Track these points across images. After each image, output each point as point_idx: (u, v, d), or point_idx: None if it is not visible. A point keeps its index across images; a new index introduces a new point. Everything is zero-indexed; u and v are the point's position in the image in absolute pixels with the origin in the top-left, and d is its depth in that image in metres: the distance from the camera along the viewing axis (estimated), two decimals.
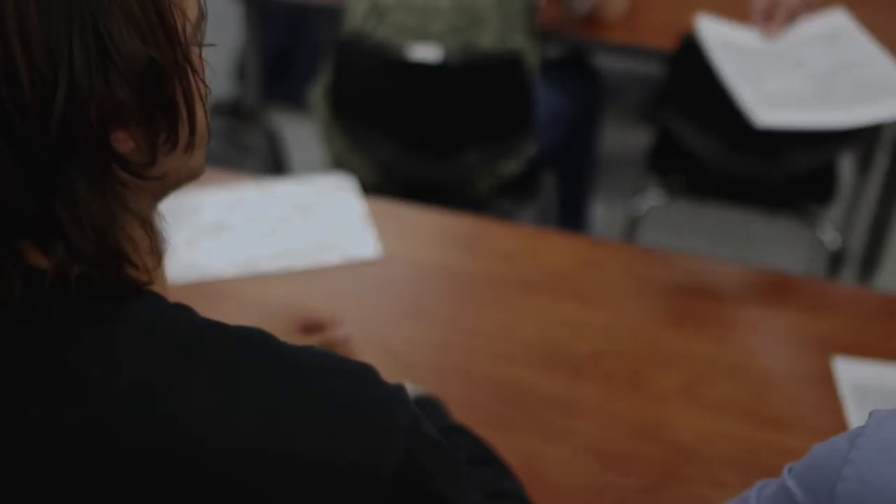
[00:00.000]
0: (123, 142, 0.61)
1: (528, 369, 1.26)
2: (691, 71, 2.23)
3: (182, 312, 0.66)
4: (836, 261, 2.45)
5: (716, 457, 1.15)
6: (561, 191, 2.56)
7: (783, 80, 1.70)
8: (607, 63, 2.89)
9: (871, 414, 0.68)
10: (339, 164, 2.29)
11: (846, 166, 2.57)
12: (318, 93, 2.29)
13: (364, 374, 0.67)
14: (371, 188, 1.81)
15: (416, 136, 2.20)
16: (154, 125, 0.62)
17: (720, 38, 1.83)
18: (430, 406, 1.03)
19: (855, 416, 1.19)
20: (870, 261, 2.58)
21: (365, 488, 0.63)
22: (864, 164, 2.76)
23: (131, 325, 0.63)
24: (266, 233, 1.53)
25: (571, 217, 2.67)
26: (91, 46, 0.58)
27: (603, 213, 2.93)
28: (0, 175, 0.58)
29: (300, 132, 3.05)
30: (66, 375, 0.62)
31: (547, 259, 1.48)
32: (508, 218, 2.29)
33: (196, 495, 0.61)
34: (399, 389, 0.68)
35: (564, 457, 1.12)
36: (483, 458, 0.96)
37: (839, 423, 1.19)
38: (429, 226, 1.57)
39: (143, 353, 0.62)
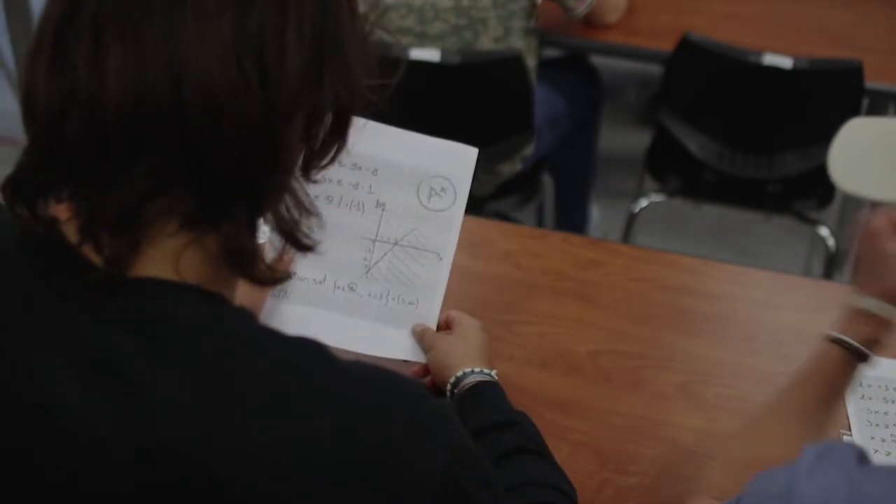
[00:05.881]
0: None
1: (528, 369, 1.27)
2: (688, 72, 2.24)
3: (242, 318, 0.67)
4: (834, 261, 2.45)
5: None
6: (559, 191, 2.56)
7: None
8: (605, 63, 2.89)
9: (803, 451, 0.68)
10: None
11: None
12: None
13: (413, 392, 0.67)
14: None
15: None
16: (342, 132, 0.71)
17: None
18: (495, 393, 1.07)
19: (855, 416, 1.19)
20: None
21: None
22: None
23: (190, 325, 0.64)
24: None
25: (570, 217, 2.67)
26: (337, 70, 0.67)
27: (601, 213, 2.93)
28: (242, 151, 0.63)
29: None
30: (111, 368, 0.62)
31: (547, 259, 1.48)
32: (508, 218, 2.29)
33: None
34: (445, 408, 0.69)
35: (564, 455, 1.12)
36: (535, 449, 1.00)
37: (838, 424, 1.19)
38: None
39: (192, 357, 0.62)
